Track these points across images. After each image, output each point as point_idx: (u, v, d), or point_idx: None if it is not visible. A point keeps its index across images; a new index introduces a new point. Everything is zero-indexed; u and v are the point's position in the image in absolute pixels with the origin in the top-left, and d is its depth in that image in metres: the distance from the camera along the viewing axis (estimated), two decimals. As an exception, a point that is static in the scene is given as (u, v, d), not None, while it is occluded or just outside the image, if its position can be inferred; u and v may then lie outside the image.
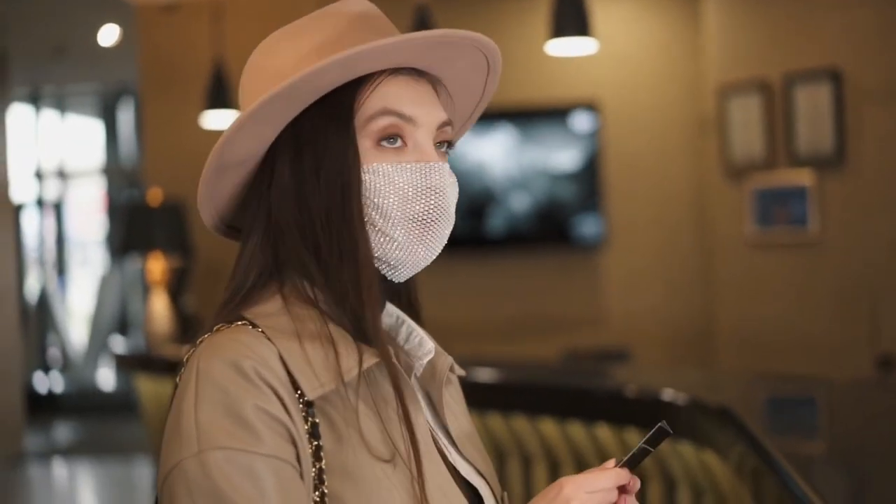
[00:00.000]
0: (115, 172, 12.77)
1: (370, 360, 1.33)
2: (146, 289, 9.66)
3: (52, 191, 12.93)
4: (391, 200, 1.35)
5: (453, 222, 1.41)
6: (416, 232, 1.37)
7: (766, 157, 6.16)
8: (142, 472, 8.90)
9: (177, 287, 6.60)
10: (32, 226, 12.73)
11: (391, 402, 1.35)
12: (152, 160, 7.38)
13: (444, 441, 1.45)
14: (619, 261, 6.96)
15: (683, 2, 6.90)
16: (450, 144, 1.43)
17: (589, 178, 6.88)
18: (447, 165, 1.40)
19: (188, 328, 6.41)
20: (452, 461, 1.43)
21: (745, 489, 2.61)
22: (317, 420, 1.29)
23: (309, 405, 1.29)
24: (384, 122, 1.36)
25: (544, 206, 6.88)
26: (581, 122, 6.89)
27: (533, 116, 6.80)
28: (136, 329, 12.13)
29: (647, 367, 6.16)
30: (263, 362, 1.28)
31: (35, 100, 12.73)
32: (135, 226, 6.35)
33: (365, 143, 1.36)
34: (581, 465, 3.42)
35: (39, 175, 12.81)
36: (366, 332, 1.34)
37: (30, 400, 11.19)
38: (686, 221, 6.91)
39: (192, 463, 1.23)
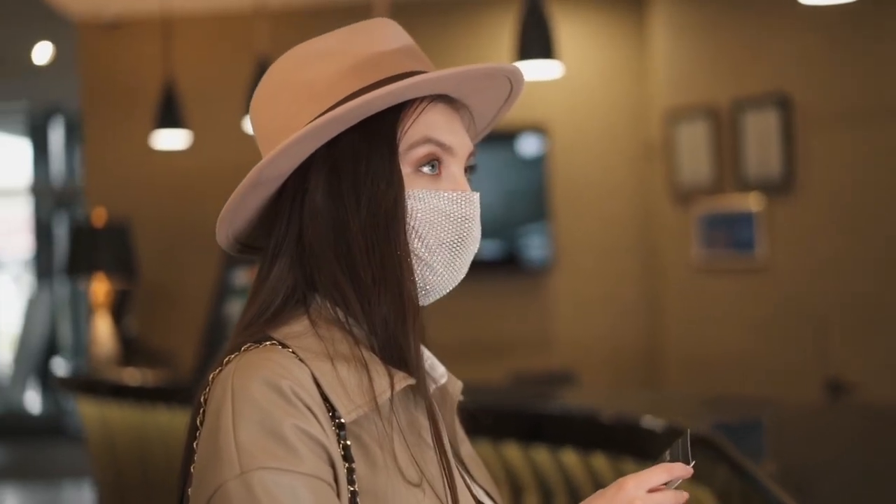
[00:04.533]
0: (44, 192, 12.58)
1: (401, 383, 1.32)
2: (80, 311, 9.52)
3: (-23, 210, 12.71)
4: (432, 227, 1.36)
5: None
6: (450, 259, 1.39)
7: (714, 181, 6.20)
8: (71, 497, 8.74)
9: (119, 309, 6.49)
10: (-42, 244, 12.51)
11: (416, 426, 1.36)
12: (94, 180, 7.26)
13: (457, 465, 1.45)
14: (567, 283, 6.96)
15: (631, 26, 6.94)
16: (470, 169, 1.44)
17: (537, 201, 6.88)
18: (478, 195, 1.41)
19: (131, 350, 6.31)
20: (469, 485, 1.44)
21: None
22: (349, 443, 1.28)
23: (341, 427, 1.28)
24: (425, 150, 1.37)
25: (492, 228, 6.87)
26: (529, 145, 6.90)
27: (481, 139, 6.79)
28: (67, 351, 11.94)
29: (596, 390, 6.16)
30: (299, 383, 1.27)
31: (-37, 117, 12.53)
32: (77, 247, 6.24)
33: (405, 169, 1.37)
34: (546, 490, 3.39)
35: (-34, 194, 12.59)
36: (406, 359, 1.34)
37: (-45, 423, 10.98)
38: (633, 245, 6.93)
39: (235, 485, 1.21)
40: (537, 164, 6.90)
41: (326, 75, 1.37)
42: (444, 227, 1.37)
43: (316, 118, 1.34)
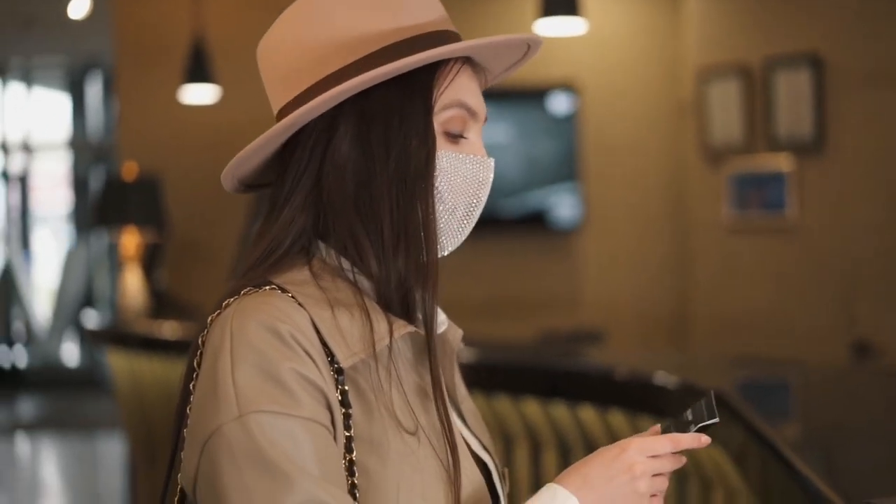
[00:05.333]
0: (83, 146, 12.66)
1: (400, 330, 1.33)
2: (115, 264, 9.60)
3: (17, 164, 12.80)
4: (452, 189, 1.37)
5: None
6: (463, 221, 1.40)
7: (745, 141, 6.16)
8: (105, 448, 8.84)
9: (150, 262, 6.54)
10: (-3, 199, 12.62)
11: (414, 374, 1.37)
12: (127, 134, 7.29)
13: (456, 415, 1.46)
14: (596, 243, 6.95)
15: (664, -16, 6.88)
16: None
17: (567, 160, 6.86)
18: (493, 161, 1.43)
19: (161, 304, 6.36)
20: (465, 437, 1.44)
21: (736, 472, 2.60)
22: (346, 388, 1.29)
23: (339, 372, 1.29)
24: (455, 112, 1.38)
25: (521, 187, 6.85)
26: (559, 103, 6.87)
27: (510, 97, 6.77)
28: (103, 304, 12.05)
29: (625, 349, 6.16)
30: (298, 327, 1.27)
31: (1, 72, 12.59)
32: (109, 200, 6.28)
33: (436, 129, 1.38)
34: (565, 447, 3.41)
35: (5, 148, 12.69)
36: (417, 314, 1.36)
37: (-6, 374, 11.12)
38: (663, 205, 6.91)
39: (233, 427, 1.21)
40: (567, 123, 6.86)
41: (359, 25, 1.36)
42: (463, 190, 1.38)
43: (346, 67, 1.34)
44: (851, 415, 2.84)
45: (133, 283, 6.01)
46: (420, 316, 1.37)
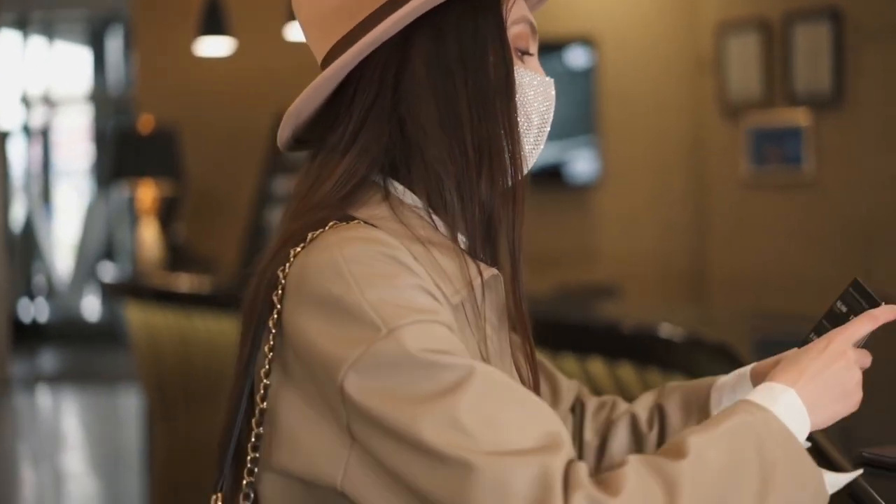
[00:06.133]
0: (103, 100, 12.67)
1: (488, 270, 1.28)
2: (134, 217, 9.63)
3: (38, 118, 12.82)
4: (524, 106, 1.33)
5: None
6: (534, 142, 1.37)
7: (764, 96, 6.12)
8: (125, 401, 8.91)
9: (167, 215, 6.56)
10: (18, 153, 12.64)
11: (493, 316, 1.32)
12: (144, 87, 7.30)
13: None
14: (614, 198, 6.92)
15: (683, -63, 6.81)
16: None
17: (585, 114, 6.82)
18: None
19: (178, 257, 6.37)
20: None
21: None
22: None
23: None
24: (522, 29, 1.34)
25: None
26: (577, 57, 6.83)
27: (528, 50, 6.72)
28: (124, 258, 12.10)
29: (640, 303, 6.15)
30: (407, 255, 1.20)
31: (23, 25, 12.59)
32: (125, 153, 6.29)
33: None
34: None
35: (26, 102, 12.70)
36: (511, 241, 1.31)
37: (15, 327, 11.19)
38: (681, 160, 6.87)
39: (385, 344, 1.12)
40: (585, 77, 6.82)
41: None
42: (535, 108, 1.34)
43: None
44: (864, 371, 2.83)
45: (150, 236, 6.03)
46: (504, 244, 1.32)
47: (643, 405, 1.55)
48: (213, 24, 5.86)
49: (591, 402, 1.60)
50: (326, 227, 1.23)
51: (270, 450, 1.23)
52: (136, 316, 5.43)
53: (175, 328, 5.03)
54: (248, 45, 6.54)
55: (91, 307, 12.70)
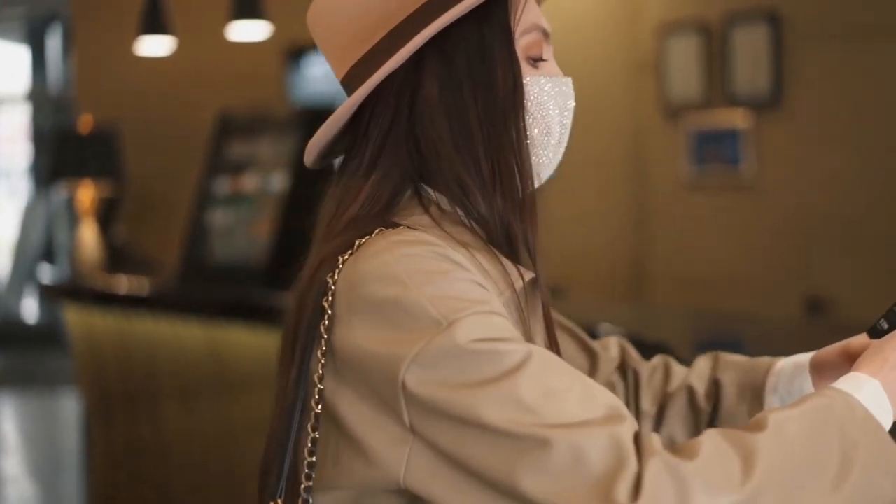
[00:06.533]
0: (43, 100, 12.54)
1: (527, 274, 1.32)
2: (73, 218, 9.54)
3: (-24, 117, 12.68)
4: (543, 113, 1.36)
5: None
6: (555, 146, 1.39)
7: (704, 97, 6.17)
8: (65, 403, 8.82)
9: (107, 216, 6.49)
10: (-45, 152, 12.50)
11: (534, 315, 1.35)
12: (83, 87, 7.23)
13: None
14: (556, 200, 6.88)
15: (624, -61, 6.85)
16: None
17: (526, 115, 6.82)
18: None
19: (118, 258, 6.31)
20: None
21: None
22: None
23: None
24: (534, 37, 1.37)
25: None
26: (519, 58, 6.83)
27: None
28: (63, 259, 11.98)
29: (582, 303, 6.17)
30: (455, 253, 1.24)
31: (-39, 24, 12.45)
32: (64, 153, 6.22)
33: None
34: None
35: (-37, 101, 12.55)
36: (520, 250, 1.33)
37: (-48, 329, 11.05)
38: (623, 161, 6.90)
39: (446, 337, 1.15)
40: (528, 78, 6.82)
41: None
42: (553, 113, 1.37)
43: (419, 10, 1.30)
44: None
45: (89, 237, 5.96)
46: (524, 254, 1.35)
47: (699, 376, 1.59)
48: (154, 24, 5.82)
49: (644, 369, 1.63)
50: (373, 234, 1.26)
51: (326, 457, 1.25)
52: (75, 318, 5.38)
53: (114, 330, 4.99)
54: (190, 45, 6.50)
55: (29, 309, 12.55)
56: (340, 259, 1.25)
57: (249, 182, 4.80)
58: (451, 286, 1.18)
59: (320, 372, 1.23)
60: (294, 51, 7.28)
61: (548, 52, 1.38)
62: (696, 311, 5.05)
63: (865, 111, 5.56)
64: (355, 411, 1.20)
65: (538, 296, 1.36)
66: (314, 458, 1.25)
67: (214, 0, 6.38)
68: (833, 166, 5.65)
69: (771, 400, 1.53)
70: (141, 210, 6.99)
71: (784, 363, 1.54)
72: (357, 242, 1.25)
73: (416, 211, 1.31)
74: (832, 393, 1.22)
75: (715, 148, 6.13)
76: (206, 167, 5.26)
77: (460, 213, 1.32)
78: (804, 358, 1.52)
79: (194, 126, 6.53)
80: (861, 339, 1.40)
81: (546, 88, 1.36)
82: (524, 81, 1.34)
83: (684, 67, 6.25)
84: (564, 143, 1.41)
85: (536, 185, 1.38)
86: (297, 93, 7.35)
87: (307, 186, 4.59)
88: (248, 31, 5.58)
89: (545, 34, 1.38)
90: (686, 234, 6.41)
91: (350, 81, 1.35)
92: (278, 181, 4.65)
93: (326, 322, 1.23)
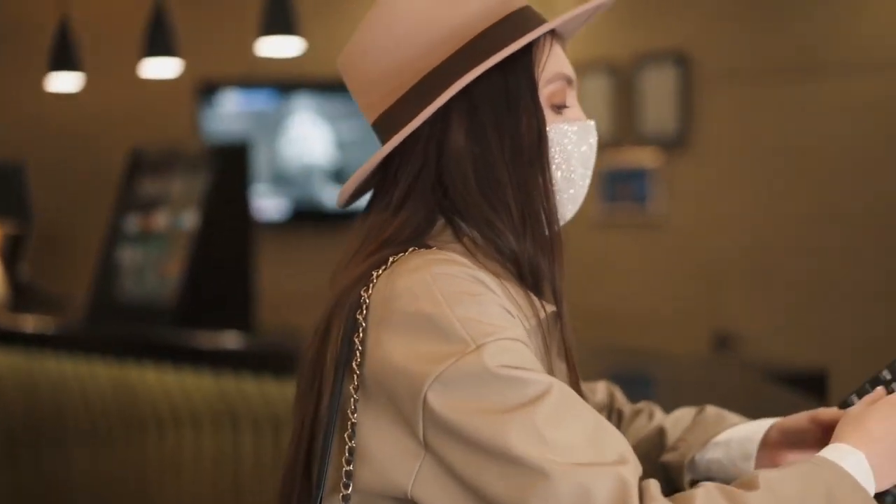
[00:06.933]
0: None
1: (549, 306, 1.35)
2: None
3: None
4: (566, 157, 1.39)
5: None
6: (579, 187, 1.42)
7: (614, 137, 6.25)
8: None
9: (12, 254, 6.39)
10: None
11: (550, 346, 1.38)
12: (-10, 122, 7.12)
13: None
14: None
15: (535, -19, 6.93)
16: None
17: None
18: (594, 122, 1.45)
19: (22, 296, 6.21)
20: None
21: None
22: None
23: None
24: (558, 86, 1.39)
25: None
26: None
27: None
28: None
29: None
30: (486, 276, 1.27)
31: None
32: (-31, 190, 6.12)
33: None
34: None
35: None
36: (546, 289, 1.37)
37: None
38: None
39: (473, 358, 1.18)
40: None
41: (447, 14, 1.35)
42: (576, 156, 1.39)
43: (448, 60, 1.34)
44: (706, 402, 2.90)
45: (-6, 274, 5.86)
46: (548, 290, 1.38)
47: (675, 425, 1.63)
48: (64, 60, 5.75)
49: (627, 409, 1.69)
50: (407, 252, 1.30)
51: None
52: (-21, 357, 5.27)
53: (20, 369, 4.90)
54: (100, 82, 6.44)
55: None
56: (374, 274, 1.28)
57: (160, 220, 4.76)
58: (482, 309, 1.21)
59: (356, 383, 1.26)
60: (206, 88, 7.25)
61: (571, 98, 1.41)
62: (606, 347, 5.09)
63: (770, 151, 5.67)
64: (371, 420, 1.24)
65: (559, 329, 1.39)
66: (352, 467, 1.26)
67: (125, 36, 6.33)
68: (738, 204, 5.74)
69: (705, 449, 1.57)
70: (49, 247, 6.89)
71: (741, 429, 1.57)
72: (391, 259, 1.29)
73: (449, 239, 1.35)
74: (819, 460, 1.25)
75: (624, 186, 6.21)
76: (117, 204, 5.21)
77: (492, 248, 1.35)
78: (758, 432, 1.55)
79: (104, 163, 6.47)
80: (830, 410, 1.44)
81: (569, 135, 1.39)
82: (553, 128, 1.37)
83: (594, 107, 6.33)
84: (587, 183, 1.44)
85: (561, 224, 1.41)
86: (209, 130, 7.30)
87: (218, 225, 4.56)
88: (160, 67, 5.54)
89: (569, 81, 1.40)
90: (597, 271, 6.47)
91: (380, 126, 1.40)
92: (189, 219, 4.60)
93: (361, 335, 1.26)
